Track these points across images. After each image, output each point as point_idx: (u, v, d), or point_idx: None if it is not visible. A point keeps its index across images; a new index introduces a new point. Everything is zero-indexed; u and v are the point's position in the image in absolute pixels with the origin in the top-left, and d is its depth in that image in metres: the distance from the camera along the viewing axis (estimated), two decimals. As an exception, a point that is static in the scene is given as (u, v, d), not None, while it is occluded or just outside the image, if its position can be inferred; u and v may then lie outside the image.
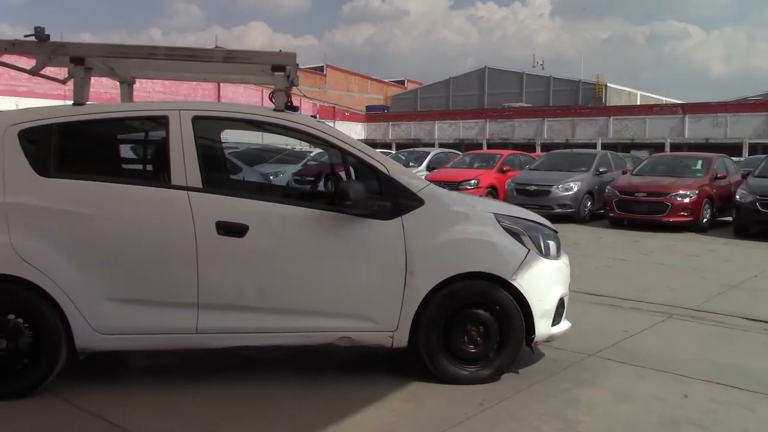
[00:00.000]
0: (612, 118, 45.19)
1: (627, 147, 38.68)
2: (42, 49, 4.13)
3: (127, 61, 4.56)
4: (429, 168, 19.42)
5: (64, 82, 4.77)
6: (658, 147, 37.91)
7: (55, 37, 4.17)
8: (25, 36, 4.12)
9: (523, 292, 4.19)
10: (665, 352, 5.00)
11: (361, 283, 4.06)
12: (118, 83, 5.15)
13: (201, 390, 4.08)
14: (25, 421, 3.61)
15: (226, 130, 5.42)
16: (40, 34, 4.08)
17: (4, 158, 3.91)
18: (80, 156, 4.36)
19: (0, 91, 38.09)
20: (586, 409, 3.89)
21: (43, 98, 34.22)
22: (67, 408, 3.78)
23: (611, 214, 13.84)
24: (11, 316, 3.82)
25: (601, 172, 15.23)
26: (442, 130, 51.85)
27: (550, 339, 4.48)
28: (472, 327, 4.19)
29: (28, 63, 4.43)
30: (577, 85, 56.57)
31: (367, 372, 4.43)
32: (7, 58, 4.22)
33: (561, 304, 4.45)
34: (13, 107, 14.33)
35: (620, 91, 57.49)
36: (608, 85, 55.69)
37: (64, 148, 4.05)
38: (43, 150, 3.98)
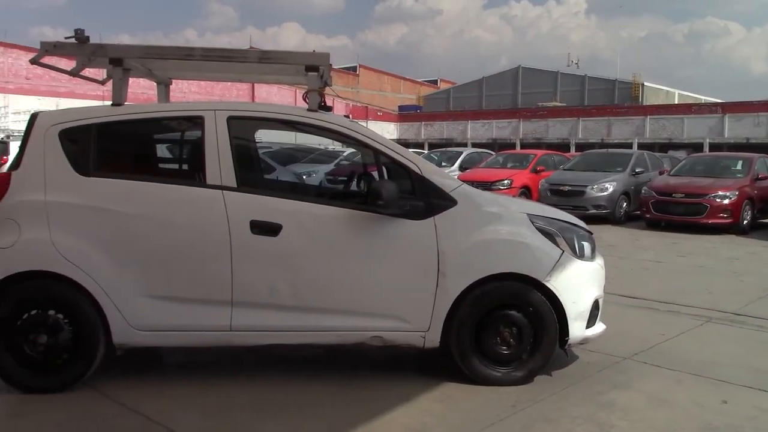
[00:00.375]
0: (649, 117, 44.38)
1: (664, 147, 37.91)
2: (82, 50, 4.22)
3: (164, 62, 4.63)
4: (461, 168, 19.33)
5: (102, 82, 4.87)
6: (697, 147, 37.08)
7: (94, 39, 4.25)
8: (66, 38, 4.21)
9: (556, 293, 4.14)
10: (703, 357, 4.89)
11: (393, 282, 4.06)
12: (154, 84, 5.24)
13: (235, 387, 4.12)
14: (63, 412, 3.69)
15: (259, 130, 5.46)
16: (80, 36, 4.16)
17: (45, 158, 4.01)
18: (118, 155, 4.44)
19: (41, 91, 39.07)
20: (621, 413, 3.83)
21: (83, 99, 35.04)
22: (105, 401, 3.86)
23: (648, 216, 13.60)
24: (52, 312, 3.91)
25: (638, 173, 14.97)
26: (475, 130, 51.54)
27: (584, 341, 4.42)
28: (505, 328, 4.16)
29: (68, 64, 4.53)
30: (613, 84, 55.78)
31: (398, 372, 4.43)
32: (48, 60, 4.31)
33: (595, 306, 4.39)
34: (53, 107, 14.67)
35: (657, 90, 56.50)
36: (645, 83, 54.79)
37: (102, 148, 4.13)
38: (82, 149, 4.07)
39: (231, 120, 4.14)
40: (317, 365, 4.60)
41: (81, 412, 3.73)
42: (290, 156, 17.79)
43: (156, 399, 3.89)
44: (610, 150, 20.41)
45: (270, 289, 3.99)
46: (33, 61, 4.34)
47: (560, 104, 53.57)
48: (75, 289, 3.90)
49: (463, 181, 4.67)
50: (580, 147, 36.73)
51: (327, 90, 4.49)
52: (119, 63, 4.24)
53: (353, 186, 5.14)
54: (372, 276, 4.06)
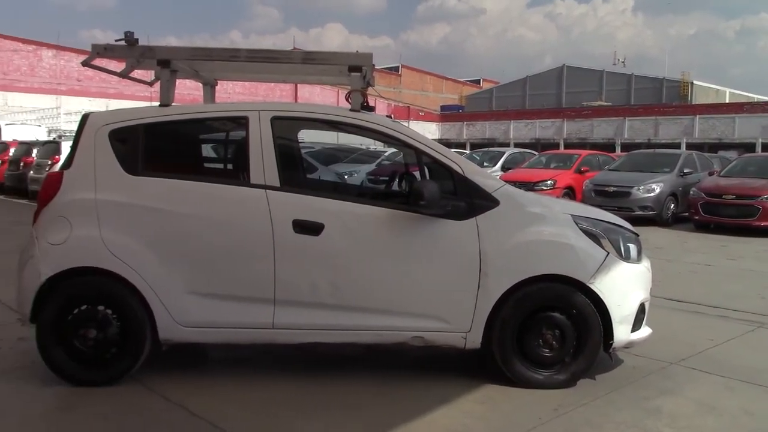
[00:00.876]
0: (698, 116, 43.24)
1: (714, 147, 36.88)
2: (131, 52, 4.32)
3: (211, 63, 4.71)
4: (504, 168, 19.16)
5: (150, 84, 4.98)
6: (749, 147, 35.93)
7: (142, 42, 4.34)
8: (116, 41, 4.32)
9: (601, 296, 4.07)
10: (755, 363, 4.74)
11: (435, 283, 4.05)
12: (200, 85, 5.34)
13: (276, 384, 4.16)
14: (111, 405, 3.79)
15: (302, 130, 5.52)
16: (130, 39, 4.26)
17: (95, 157, 4.12)
18: (165, 155, 4.52)
19: (92, 93, 40.25)
20: (668, 420, 3.73)
21: (131, 100, 35.93)
22: (150, 396, 3.94)
23: (696, 217, 13.26)
24: (101, 308, 4.02)
25: (686, 173, 14.61)
26: (518, 130, 51.03)
27: (629, 345, 4.33)
28: (548, 330, 4.11)
29: (118, 66, 4.64)
30: (660, 83, 54.57)
31: (439, 372, 4.41)
32: (99, 62, 4.43)
33: (641, 309, 4.30)
34: (103, 108, 15.06)
35: (707, 89, 55.04)
36: (694, 82, 53.45)
37: (150, 148, 4.22)
38: (131, 149, 4.17)
39: (275, 120, 4.19)
40: (358, 364, 4.62)
41: (128, 405, 3.82)
42: (332, 156, 17.88)
43: (199, 394, 3.96)
44: (658, 150, 19.97)
45: (312, 287, 4.02)
46: (84, 63, 4.47)
47: (606, 104, 52.64)
48: (123, 285, 3.99)
49: (506, 181, 4.63)
50: (626, 147, 35.97)
51: (369, 90, 4.51)
52: (167, 64, 4.33)
53: (395, 186, 5.14)
54: (413, 276, 4.05)
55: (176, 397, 3.90)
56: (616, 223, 4.48)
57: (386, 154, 18.61)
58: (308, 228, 3.99)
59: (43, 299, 3.99)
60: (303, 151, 7.02)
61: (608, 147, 37.67)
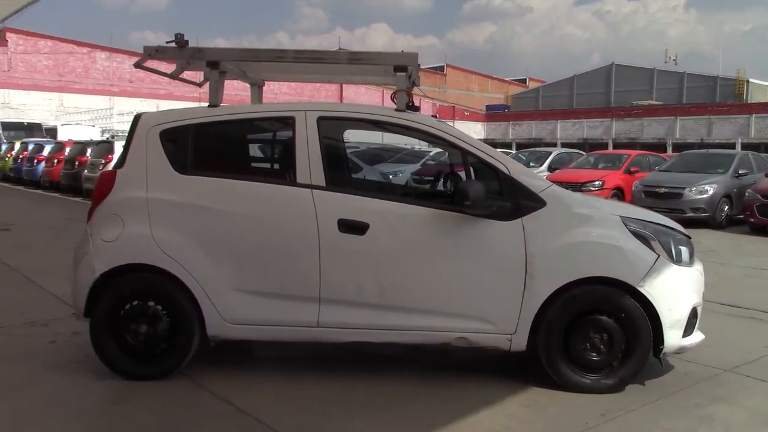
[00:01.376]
0: (754, 116, 41.87)
1: (771, 147, 35.67)
2: (181, 54, 4.40)
3: (258, 64, 4.78)
4: (551, 168, 18.88)
5: (200, 85, 5.08)
6: (808, 147, 34.65)
7: (192, 44, 4.42)
8: (167, 43, 4.41)
9: (651, 299, 3.97)
10: (814, 372, 4.56)
11: (479, 284, 4.02)
12: (248, 86, 5.42)
13: (320, 382, 4.19)
14: (160, 399, 3.87)
15: (347, 130, 5.54)
16: (180, 41, 4.35)
17: (147, 156, 4.22)
18: (214, 154, 4.60)
19: (143, 94, 41.33)
20: (722, 428, 3.62)
21: (180, 100, 36.77)
22: (198, 391, 4.02)
23: (752, 220, 12.82)
24: (151, 304, 4.12)
25: (741, 174, 14.14)
26: (565, 130, 50.28)
27: (680, 351, 4.22)
28: (596, 334, 4.03)
29: (168, 68, 4.74)
30: (714, 81, 52.98)
31: (483, 374, 4.37)
32: (150, 63, 4.53)
33: (693, 314, 4.18)
34: (154, 109, 15.43)
35: (764, 87, 53.18)
36: (750, 80, 51.69)
37: (199, 147, 4.30)
38: (181, 149, 4.25)
39: (321, 120, 4.22)
40: (401, 365, 4.62)
41: (177, 399, 3.90)
42: (377, 156, 17.95)
43: (246, 390, 4.02)
44: (711, 150, 19.38)
45: (356, 287, 4.04)
46: (137, 65, 4.57)
47: (656, 102, 51.43)
48: (172, 282, 4.08)
49: (553, 182, 4.56)
50: (678, 147, 35.08)
51: (415, 90, 4.50)
52: (216, 66, 4.41)
53: (440, 186, 5.12)
54: (458, 276, 4.03)
55: (223, 393, 3.97)
56: (667, 225, 4.37)
57: (431, 154, 18.59)
58: (353, 227, 4.01)
59: (97, 295, 4.10)
60: (348, 151, 7.04)
61: (659, 147, 36.79)
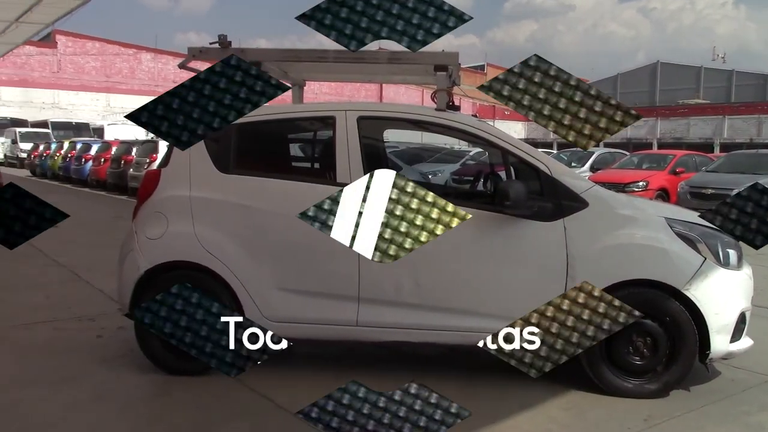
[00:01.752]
0: (806, 114, 40.48)
1: (824, 147, 34.44)
2: (224, 55, 4.45)
3: (299, 64, 4.82)
4: (593, 169, 18.58)
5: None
6: None
7: (234, 44, 4.49)
8: (210, 44, 4.49)
9: (697, 303, 3.88)
10: None
11: (519, 285, 3.98)
12: (289, 86, 5.47)
13: (358, 381, 4.19)
14: (202, 394, 3.95)
15: (386, 130, 5.54)
16: (223, 42, 4.42)
17: (190, 156, 4.29)
18: (256, 154, 4.66)
19: (187, 95, 41.91)
20: (770, 436, 3.52)
21: (223, 101, 37.22)
22: (239, 387, 4.07)
23: (803, 222, 12.39)
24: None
25: (792, 175, 13.70)
26: (608, 129, 49.34)
27: (728, 356, 4.11)
28: (639, 338, 3.96)
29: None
30: (764, 79, 51.46)
31: (523, 376, 4.29)
32: (194, 64, 4.60)
33: (742, 319, 4.07)
34: (198, 109, 15.62)
35: (817, 85, 51.37)
36: (803, 78, 50.00)
37: (241, 147, 4.36)
38: (223, 148, 4.32)
39: (361, 120, 4.24)
40: (439, 365, 4.60)
41: (217, 395, 3.96)
42: (416, 155, 17.94)
43: (284, 387, 4.06)
44: (761, 150, 18.80)
45: (395, 286, 4.04)
46: (181, 66, 4.65)
47: (703, 101, 50.12)
48: (214, 279, 4.14)
49: (595, 182, 4.49)
50: (726, 147, 34.13)
51: (455, 89, 4.48)
52: (258, 66, 4.45)
53: (479, 186, 5.10)
54: (497, 277, 4.00)
55: (262, 389, 4.01)
56: (714, 227, 4.25)
57: (471, 153, 18.49)
58: (392, 227, 4.00)
59: (142, 291, 4.19)
60: (388, 150, 7.06)
61: (706, 147, 35.80)
